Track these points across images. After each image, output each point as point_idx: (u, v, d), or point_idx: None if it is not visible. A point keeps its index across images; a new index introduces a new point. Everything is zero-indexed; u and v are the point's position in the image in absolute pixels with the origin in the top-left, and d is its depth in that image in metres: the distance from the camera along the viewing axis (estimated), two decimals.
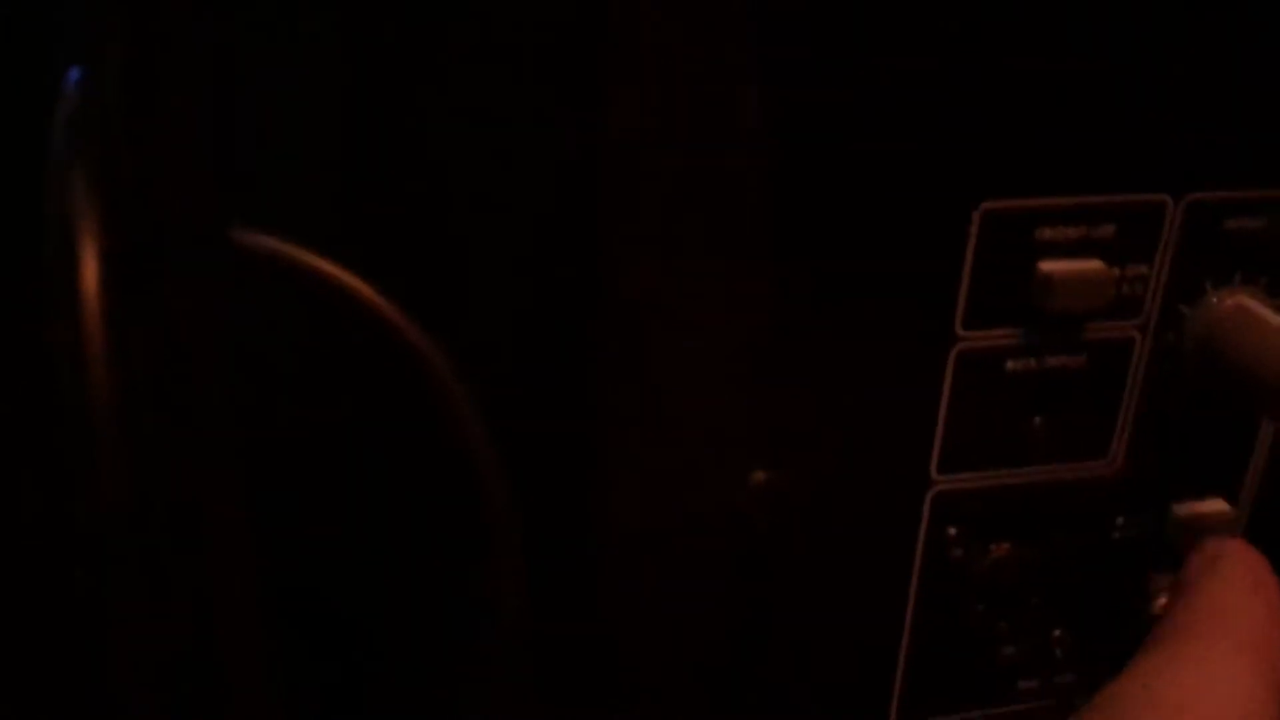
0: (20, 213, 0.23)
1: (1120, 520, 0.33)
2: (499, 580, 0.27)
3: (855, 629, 0.32)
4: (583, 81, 0.26)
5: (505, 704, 0.28)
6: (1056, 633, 0.34)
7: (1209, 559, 0.28)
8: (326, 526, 0.31)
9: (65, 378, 0.21)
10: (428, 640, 0.32)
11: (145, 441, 0.22)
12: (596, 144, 0.26)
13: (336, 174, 0.29)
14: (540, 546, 0.27)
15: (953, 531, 0.32)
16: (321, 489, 0.31)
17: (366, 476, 0.31)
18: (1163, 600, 0.34)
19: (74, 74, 0.22)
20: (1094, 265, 0.30)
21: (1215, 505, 0.34)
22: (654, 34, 0.26)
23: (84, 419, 0.21)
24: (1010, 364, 0.30)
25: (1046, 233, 0.29)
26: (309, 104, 0.28)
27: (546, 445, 0.28)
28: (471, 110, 0.27)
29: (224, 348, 0.23)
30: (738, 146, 0.27)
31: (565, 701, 0.29)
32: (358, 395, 0.30)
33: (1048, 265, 0.29)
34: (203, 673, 0.22)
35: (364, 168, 0.29)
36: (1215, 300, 0.31)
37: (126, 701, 0.21)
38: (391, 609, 0.32)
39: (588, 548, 0.29)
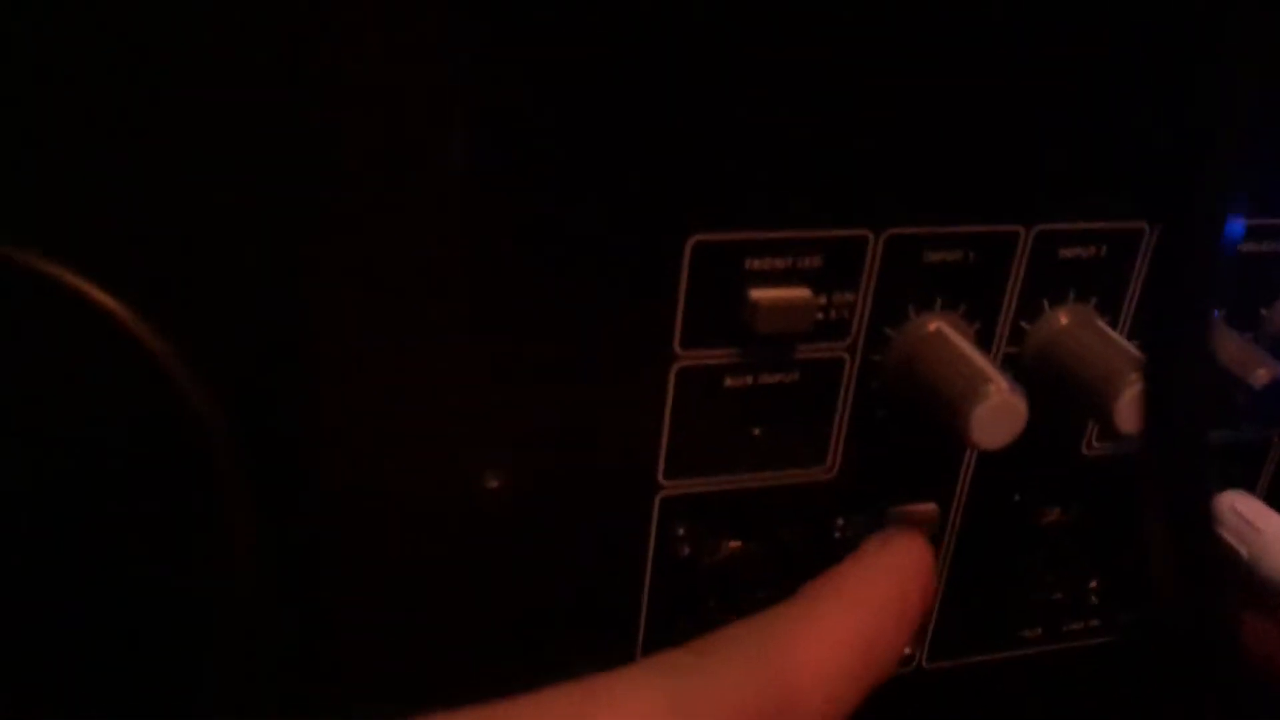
0: None
1: (841, 521, 0.37)
2: (232, 578, 0.29)
3: (594, 621, 0.35)
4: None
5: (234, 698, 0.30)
6: None
7: (880, 540, 0.31)
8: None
9: None
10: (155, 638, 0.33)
11: None
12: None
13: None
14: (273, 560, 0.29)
15: (681, 530, 0.35)
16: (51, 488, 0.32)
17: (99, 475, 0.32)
18: None
19: None
20: (800, 293, 0.33)
21: (927, 508, 0.37)
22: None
23: None
24: (728, 380, 0.33)
25: (755, 263, 0.32)
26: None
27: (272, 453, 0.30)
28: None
29: None
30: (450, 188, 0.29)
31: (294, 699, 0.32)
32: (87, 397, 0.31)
33: (757, 292, 0.32)
34: None
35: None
36: (917, 324, 0.34)
37: None
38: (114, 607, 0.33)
39: (316, 553, 0.32)
